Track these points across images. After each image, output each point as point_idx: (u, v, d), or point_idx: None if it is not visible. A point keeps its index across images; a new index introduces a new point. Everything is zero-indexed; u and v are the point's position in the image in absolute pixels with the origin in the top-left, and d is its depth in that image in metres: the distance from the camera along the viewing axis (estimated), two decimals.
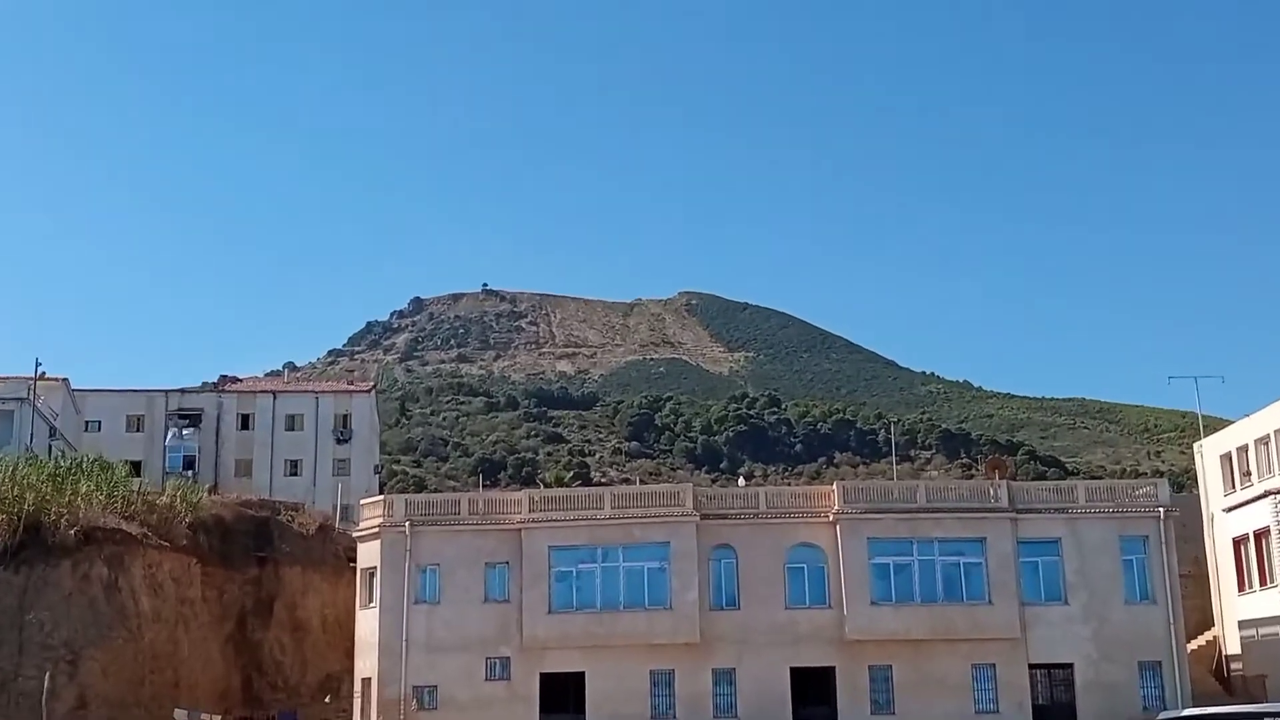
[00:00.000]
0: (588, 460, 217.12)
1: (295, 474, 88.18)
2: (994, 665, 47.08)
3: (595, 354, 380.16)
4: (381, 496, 52.81)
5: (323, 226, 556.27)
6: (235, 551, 54.35)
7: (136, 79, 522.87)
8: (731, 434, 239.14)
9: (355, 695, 48.78)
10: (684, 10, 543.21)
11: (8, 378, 73.46)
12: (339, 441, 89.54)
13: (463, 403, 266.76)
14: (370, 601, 49.13)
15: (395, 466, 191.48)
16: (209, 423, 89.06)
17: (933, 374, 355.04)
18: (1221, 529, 54.63)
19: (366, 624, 49.02)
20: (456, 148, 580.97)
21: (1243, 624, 52.42)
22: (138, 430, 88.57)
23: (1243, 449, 54.81)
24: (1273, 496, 50.01)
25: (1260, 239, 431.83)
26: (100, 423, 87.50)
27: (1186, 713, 35.82)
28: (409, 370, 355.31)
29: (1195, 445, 59.18)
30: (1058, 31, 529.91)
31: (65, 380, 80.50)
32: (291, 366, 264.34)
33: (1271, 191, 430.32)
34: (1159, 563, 47.91)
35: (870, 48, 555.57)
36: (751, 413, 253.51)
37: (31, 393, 70.09)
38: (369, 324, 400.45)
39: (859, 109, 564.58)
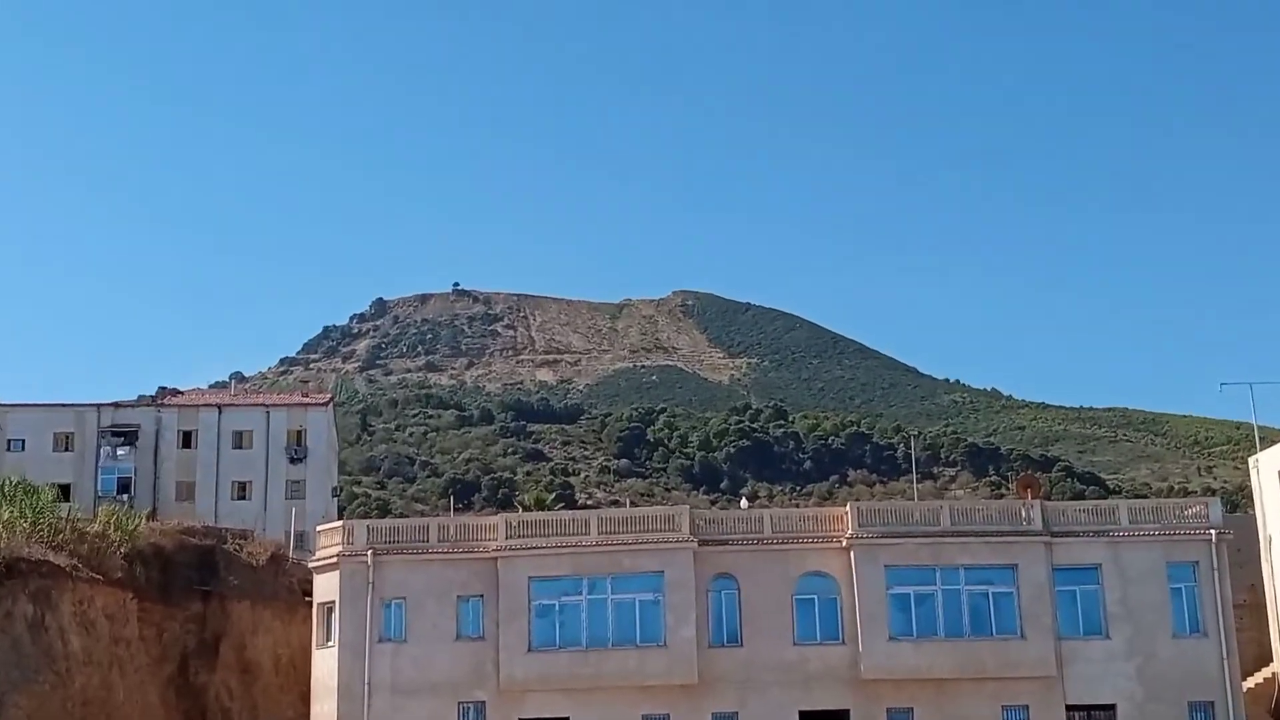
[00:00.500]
0: (572, 480, 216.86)
1: (243, 497, 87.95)
2: (1027, 707, 47.09)
3: (579, 361, 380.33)
4: (340, 522, 52.69)
5: (274, 221, 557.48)
6: (176, 585, 54.15)
7: (66, 68, 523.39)
8: (733, 450, 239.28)
9: None
10: None
11: None
12: (293, 461, 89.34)
13: (431, 416, 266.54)
14: (328, 640, 49.05)
15: (356, 488, 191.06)
16: (146, 441, 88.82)
17: (957, 382, 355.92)
18: None
19: (324, 665, 48.90)
20: (423, 134, 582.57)
21: None
22: (66, 449, 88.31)
23: None
24: None
25: None
26: (24, 441, 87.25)
27: None
28: (371, 380, 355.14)
29: (1250, 459, 59.26)
30: (1086, 25, 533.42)
31: None
32: (239, 377, 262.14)
33: None
34: (1211, 591, 48.00)
35: (891, 28, 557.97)
36: (755, 426, 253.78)
37: None
38: (326, 329, 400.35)
39: (876, 89, 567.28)
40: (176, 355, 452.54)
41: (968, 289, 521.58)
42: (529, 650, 47.67)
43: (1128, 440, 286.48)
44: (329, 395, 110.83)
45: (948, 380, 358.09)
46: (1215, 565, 48.12)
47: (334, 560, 49.39)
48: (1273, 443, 58.16)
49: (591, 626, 47.82)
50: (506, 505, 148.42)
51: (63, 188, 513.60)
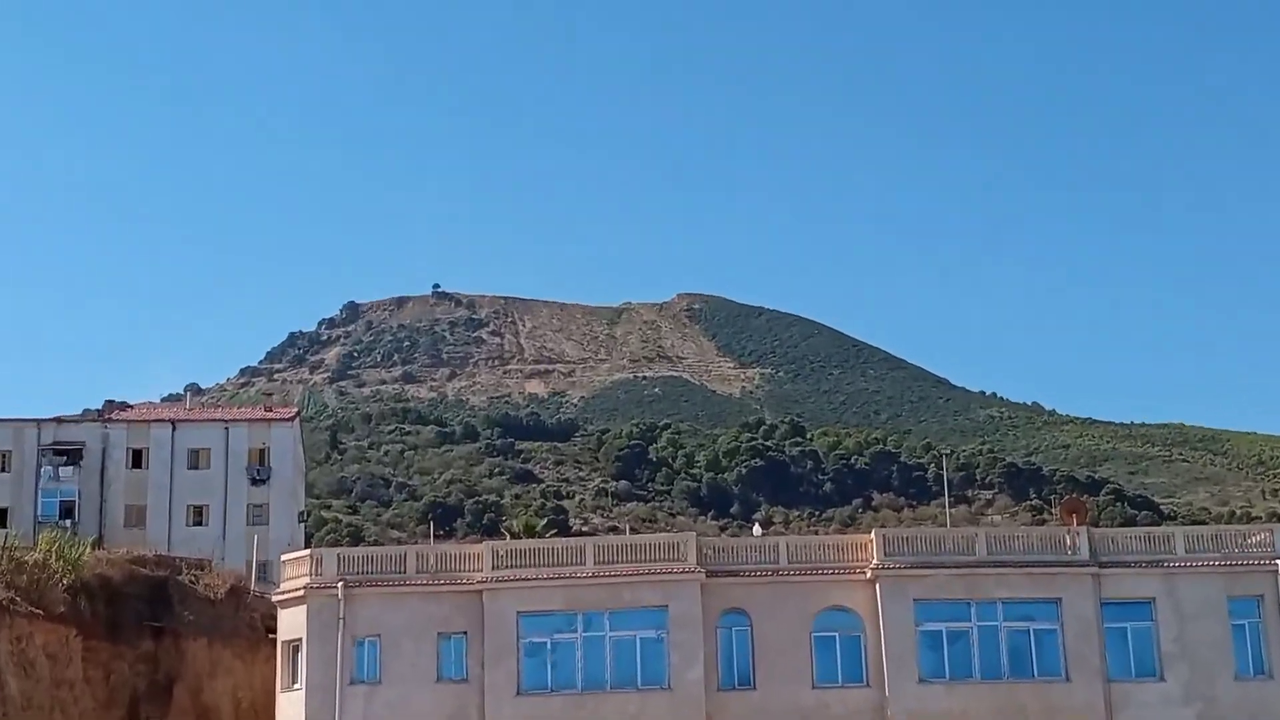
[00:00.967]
0: (565, 504, 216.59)
1: (200, 523, 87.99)
2: None
3: (574, 371, 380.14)
4: (308, 551, 52.70)
5: (234, 217, 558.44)
6: (125, 621, 54.11)
7: (6, 65, 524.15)
8: (744, 471, 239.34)
9: None
10: None
11: None
12: (255, 482, 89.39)
13: (409, 433, 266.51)
14: (294, 682, 49.02)
15: (325, 513, 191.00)
16: (92, 460, 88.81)
17: (994, 395, 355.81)
18: None
19: (289, 710, 48.86)
20: (398, 123, 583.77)
21: None
22: (2, 470, 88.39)
23: None
24: None
25: None
26: None
27: None
28: (342, 393, 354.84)
29: None
30: (1122, 25, 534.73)
31: None
32: (195, 389, 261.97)
33: None
34: (1277, 628, 47.97)
35: (922, 20, 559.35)
36: (769, 444, 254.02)
37: None
38: (292, 336, 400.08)
39: (906, 76, 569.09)
40: (125, 365, 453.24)
41: (1006, 293, 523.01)
42: (518, 694, 47.57)
43: (1184, 460, 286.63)
44: (295, 409, 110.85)
45: (983, 393, 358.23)
46: None
47: (301, 593, 49.36)
48: None
49: (587, 667, 47.74)
50: (493, 532, 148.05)
51: (7, 194, 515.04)
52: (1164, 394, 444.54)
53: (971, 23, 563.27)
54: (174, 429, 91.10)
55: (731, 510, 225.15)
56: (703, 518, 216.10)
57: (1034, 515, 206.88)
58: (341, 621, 48.36)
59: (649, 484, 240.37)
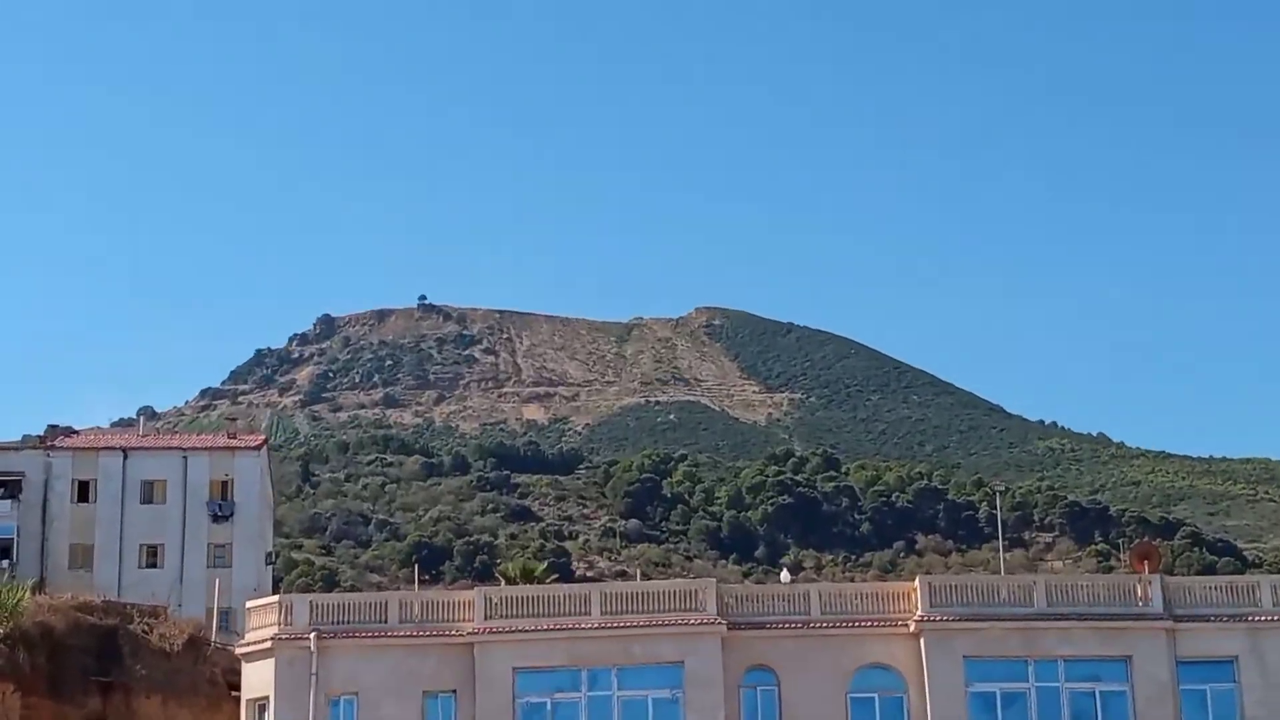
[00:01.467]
0: (567, 546, 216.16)
1: (154, 565, 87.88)
2: None
3: (578, 395, 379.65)
4: (276, 597, 52.70)
5: (194, 222, 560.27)
6: (69, 674, 54.08)
7: None
8: (770, 508, 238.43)
9: None
10: None
11: None
12: (216, 519, 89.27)
13: (390, 464, 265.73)
14: None
15: (296, 554, 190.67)
16: (32, 493, 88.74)
17: (1055, 425, 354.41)
18: None
19: None
20: (378, 121, 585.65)
21: None
22: None
23: None
24: None
25: None
26: None
27: None
28: (315, 418, 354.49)
29: None
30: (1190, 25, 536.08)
31: None
32: (149, 413, 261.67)
33: None
34: None
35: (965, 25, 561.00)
36: (798, 478, 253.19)
37: None
38: (259, 354, 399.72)
39: (947, 80, 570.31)
40: (70, 385, 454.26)
41: (1068, 311, 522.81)
42: None
43: (1271, 500, 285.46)
44: (262, 436, 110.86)
45: (1042, 423, 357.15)
46: None
47: (268, 645, 49.33)
48: None
49: None
50: (485, 577, 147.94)
51: None
52: (1248, 425, 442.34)
53: (1018, 23, 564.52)
54: (125, 458, 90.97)
55: (756, 553, 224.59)
56: (723, 562, 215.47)
57: (1100, 561, 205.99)
58: (314, 677, 48.30)
59: (662, 523, 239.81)
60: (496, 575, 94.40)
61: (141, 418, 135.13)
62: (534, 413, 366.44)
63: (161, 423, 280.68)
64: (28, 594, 57.22)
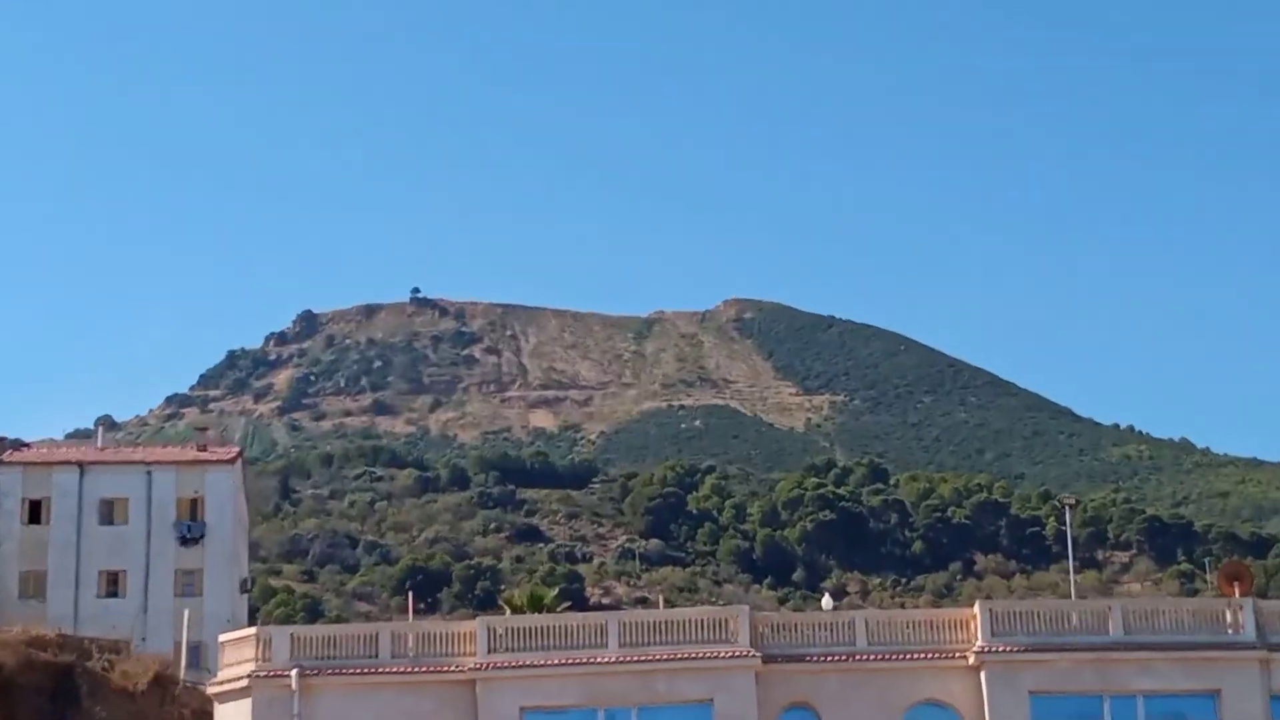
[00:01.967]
0: (580, 570, 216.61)
1: (115, 593, 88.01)
2: None
3: (591, 399, 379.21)
4: (253, 630, 52.74)
5: (159, 208, 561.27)
6: (20, 717, 54.18)
7: None
8: (810, 526, 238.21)
9: None
10: None
11: None
12: (185, 541, 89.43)
13: (380, 478, 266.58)
14: None
15: (274, 581, 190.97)
16: None
17: (1132, 429, 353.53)
18: None
19: None
20: (367, 96, 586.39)
21: None
22: None
23: None
24: None
25: None
26: None
27: None
28: (295, 427, 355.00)
29: None
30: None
31: None
32: (108, 423, 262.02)
33: None
34: None
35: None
36: (842, 492, 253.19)
37: None
38: (231, 355, 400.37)
39: (1015, 54, 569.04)
40: (19, 393, 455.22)
41: (1145, 303, 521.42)
42: None
43: None
44: (236, 448, 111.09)
45: (1117, 427, 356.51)
46: None
47: (244, 684, 49.36)
48: None
49: None
50: (488, 605, 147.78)
51: None
52: None
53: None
54: (82, 474, 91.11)
55: (794, 577, 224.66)
56: (757, 586, 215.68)
57: (1184, 584, 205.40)
58: (297, 719, 48.36)
59: (688, 544, 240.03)
60: (501, 603, 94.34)
61: (100, 428, 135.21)
62: (542, 419, 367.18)
63: (122, 434, 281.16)
64: None
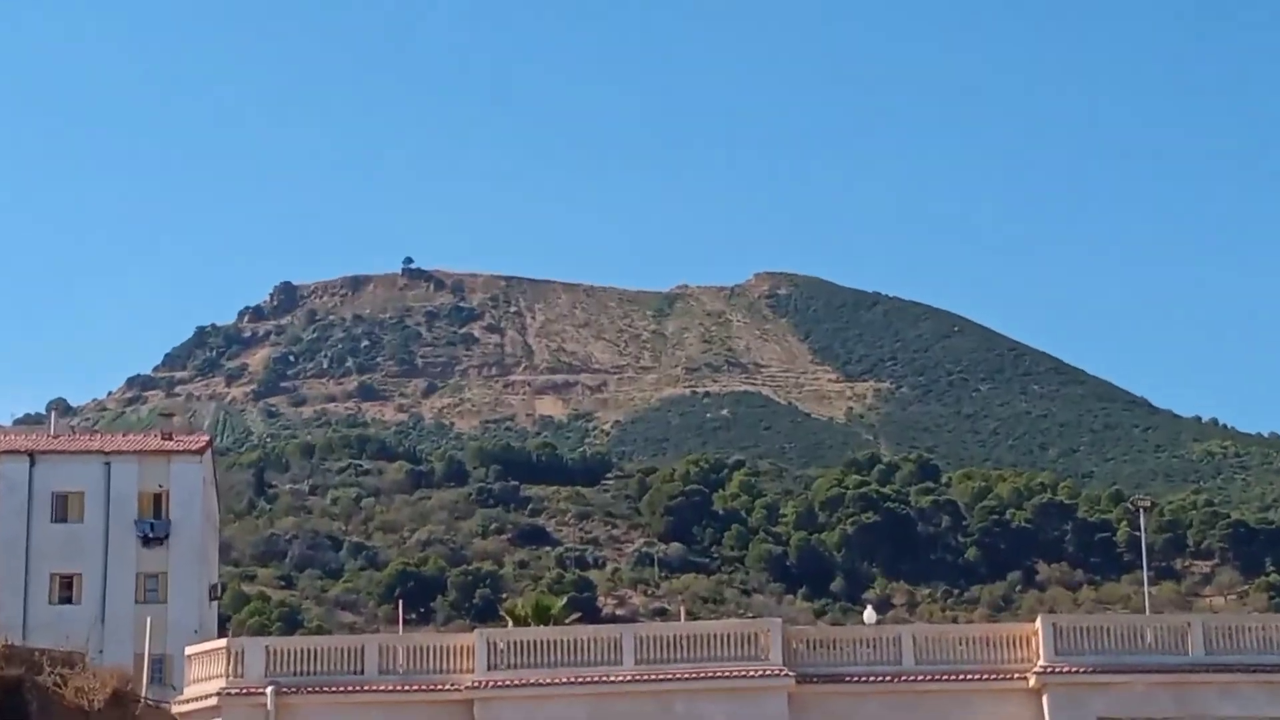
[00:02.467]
0: (592, 576, 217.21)
1: (68, 599, 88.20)
2: None
3: (605, 385, 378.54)
4: (223, 641, 52.90)
5: (118, 169, 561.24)
6: None
7: None
8: (850, 529, 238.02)
9: None
10: None
11: None
12: (147, 541, 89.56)
13: (368, 472, 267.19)
14: None
15: (248, 586, 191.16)
16: None
17: (1215, 423, 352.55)
18: None
19: None
20: (353, 37, 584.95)
21: None
22: None
23: None
24: None
25: None
26: None
27: None
28: (272, 414, 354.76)
29: None
30: None
31: None
32: (62, 408, 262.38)
33: None
34: None
35: None
36: (887, 490, 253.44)
37: None
38: (200, 332, 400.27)
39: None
40: None
41: (1230, 283, 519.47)
42: None
43: None
44: (206, 437, 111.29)
45: (1199, 420, 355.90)
46: None
47: (214, 701, 49.58)
48: None
49: None
50: (488, 615, 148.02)
51: None
52: None
53: None
54: (32, 464, 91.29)
55: (832, 587, 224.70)
56: (790, 597, 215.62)
57: (1271, 597, 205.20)
58: None
59: (713, 548, 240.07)
60: (502, 614, 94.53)
61: (53, 414, 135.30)
62: (549, 407, 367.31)
63: (78, 420, 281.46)
64: None
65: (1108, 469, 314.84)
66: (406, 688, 49.54)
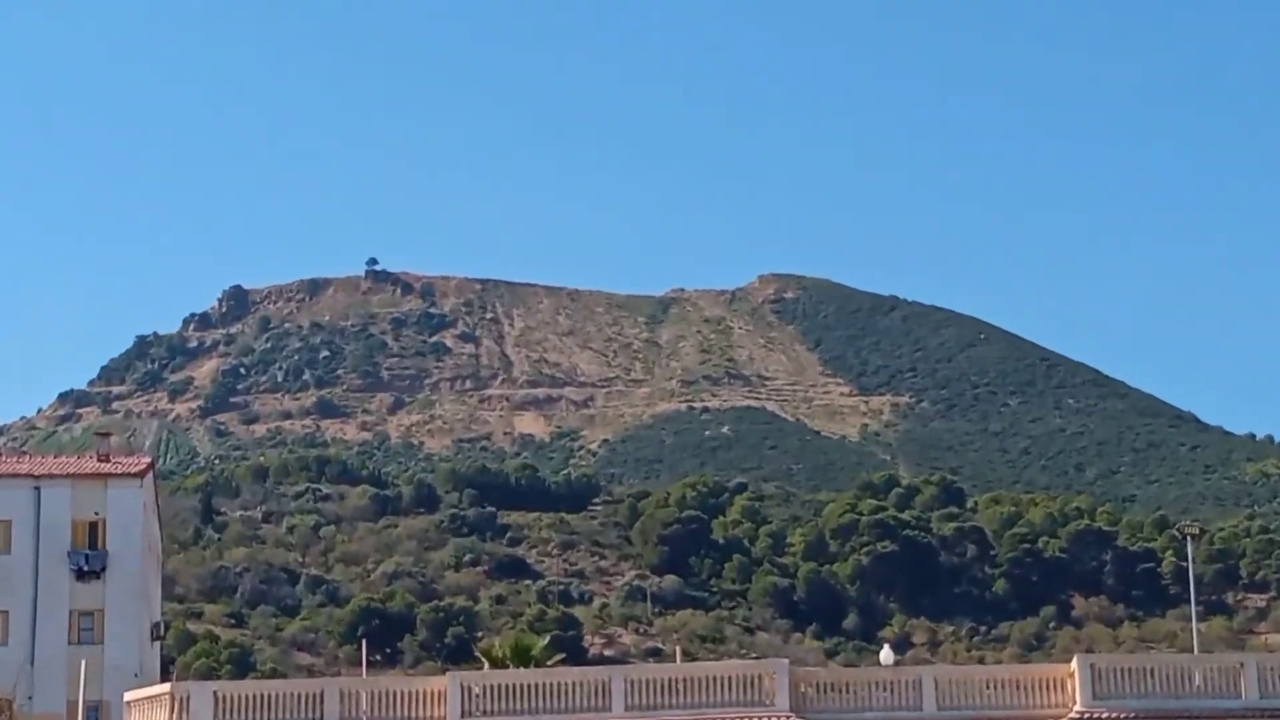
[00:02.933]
0: (577, 613, 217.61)
1: None
2: None
3: (592, 399, 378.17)
4: (167, 686, 52.96)
5: (53, 163, 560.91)
6: None
7: None
8: (865, 560, 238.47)
9: None
10: None
11: None
12: (82, 575, 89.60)
13: (327, 497, 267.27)
14: None
15: (193, 625, 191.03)
16: None
17: (1270, 440, 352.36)
18: None
19: None
20: (317, 24, 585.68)
21: None
22: None
23: None
24: None
25: None
26: None
27: None
28: (221, 432, 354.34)
29: None
30: None
31: None
32: None
33: None
34: None
35: None
36: (906, 517, 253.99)
37: None
38: (140, 342, 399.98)
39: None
40: None
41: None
42: None
43: None
44: (147, 459, 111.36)
45: (1252, 438, 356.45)
46: None
47: None
48: None
49: None
50: (462, 657, 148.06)
51: None
52: None
53: None
54: None
55: (845, 624, 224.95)
56: (798, 635, 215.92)
57: None
58: None
59: (712, 580, 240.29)
60: (478, 655, 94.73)
61: None
62: (530, 425, 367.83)
63: (5, 440, 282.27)
64: None
65: (1151, 492, 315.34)
66: None
